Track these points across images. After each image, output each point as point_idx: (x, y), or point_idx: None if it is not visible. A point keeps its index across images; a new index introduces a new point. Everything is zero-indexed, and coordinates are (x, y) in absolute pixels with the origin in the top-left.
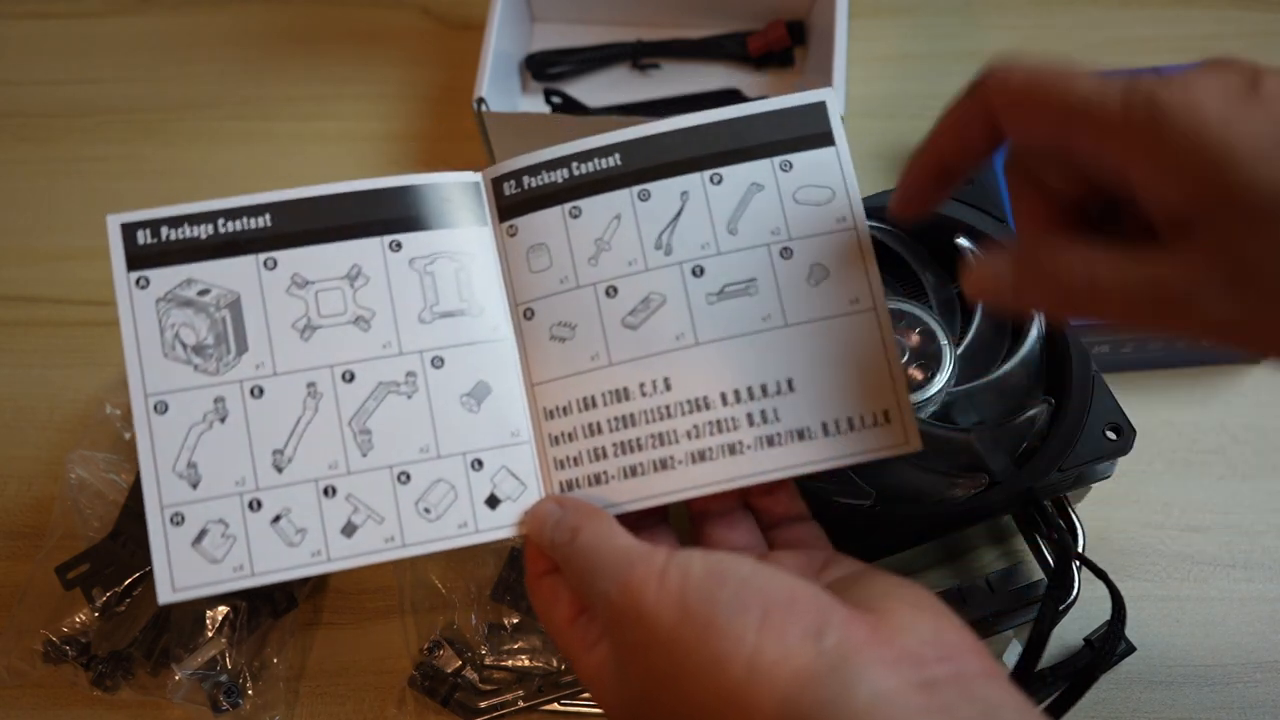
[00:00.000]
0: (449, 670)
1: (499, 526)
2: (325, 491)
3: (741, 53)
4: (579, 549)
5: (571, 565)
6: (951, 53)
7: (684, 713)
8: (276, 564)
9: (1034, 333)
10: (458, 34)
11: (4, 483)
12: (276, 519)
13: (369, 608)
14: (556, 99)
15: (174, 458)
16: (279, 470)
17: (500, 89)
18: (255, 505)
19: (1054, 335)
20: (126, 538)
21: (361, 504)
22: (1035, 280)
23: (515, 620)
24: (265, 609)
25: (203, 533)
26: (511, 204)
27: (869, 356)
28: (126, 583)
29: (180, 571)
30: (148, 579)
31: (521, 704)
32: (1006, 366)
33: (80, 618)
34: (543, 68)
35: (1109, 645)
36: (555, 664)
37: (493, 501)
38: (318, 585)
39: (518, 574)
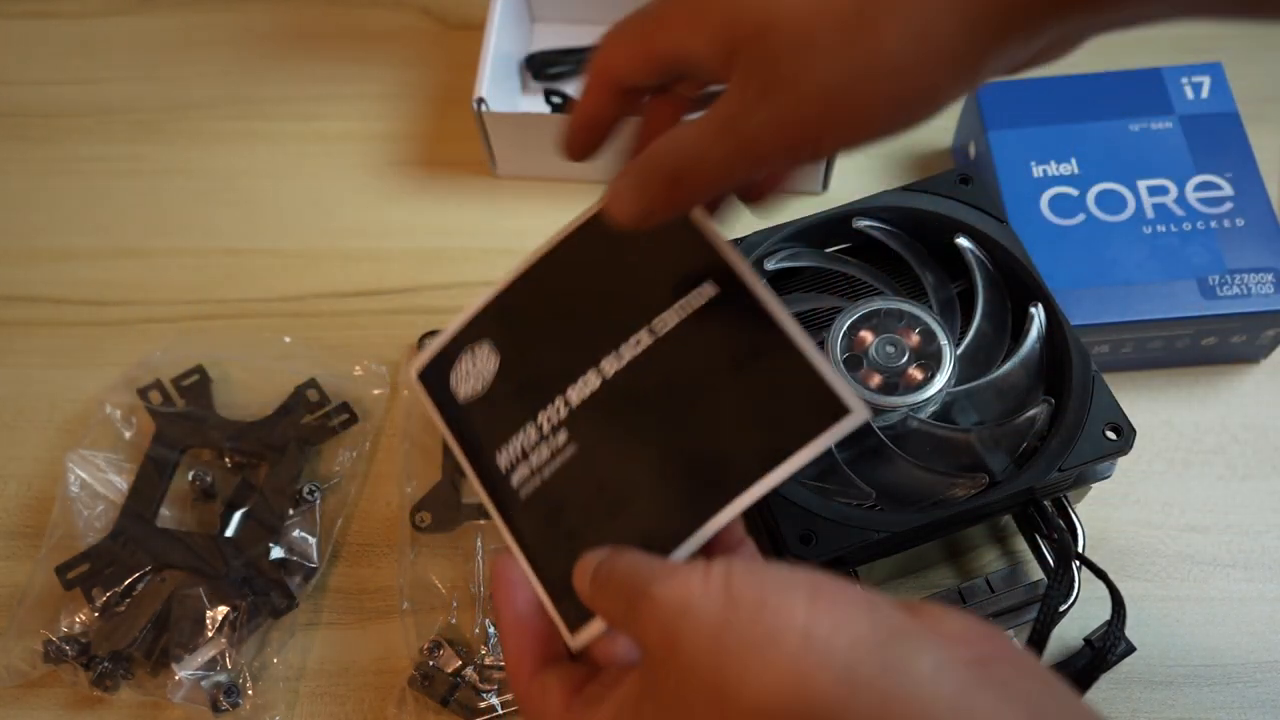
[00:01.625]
0: (449, 670)
1: None
2: None
3: None
4: (623, 566)
5: (613, 585)
6: None
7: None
8: None
9: (1034, 333)
10: (458, 34)
11: (4, 483)
12: None
13: (369, 608)
14: (556, 99)
15: None
16: None
17: (500, 89)
18: None
19: (1054, 335)
20: (126, 538)
21: None
22: (642, 166)
23: None
24: (265, 609)
25: None
26: None
27: None
28: (126, 583)
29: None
30: (148, 579)
31: None
32: (1006, 366)
33: (80, 618)
34: (543, 68)
35: (1109, 645)
36: None
37: None
38: (318, 585)
39: None
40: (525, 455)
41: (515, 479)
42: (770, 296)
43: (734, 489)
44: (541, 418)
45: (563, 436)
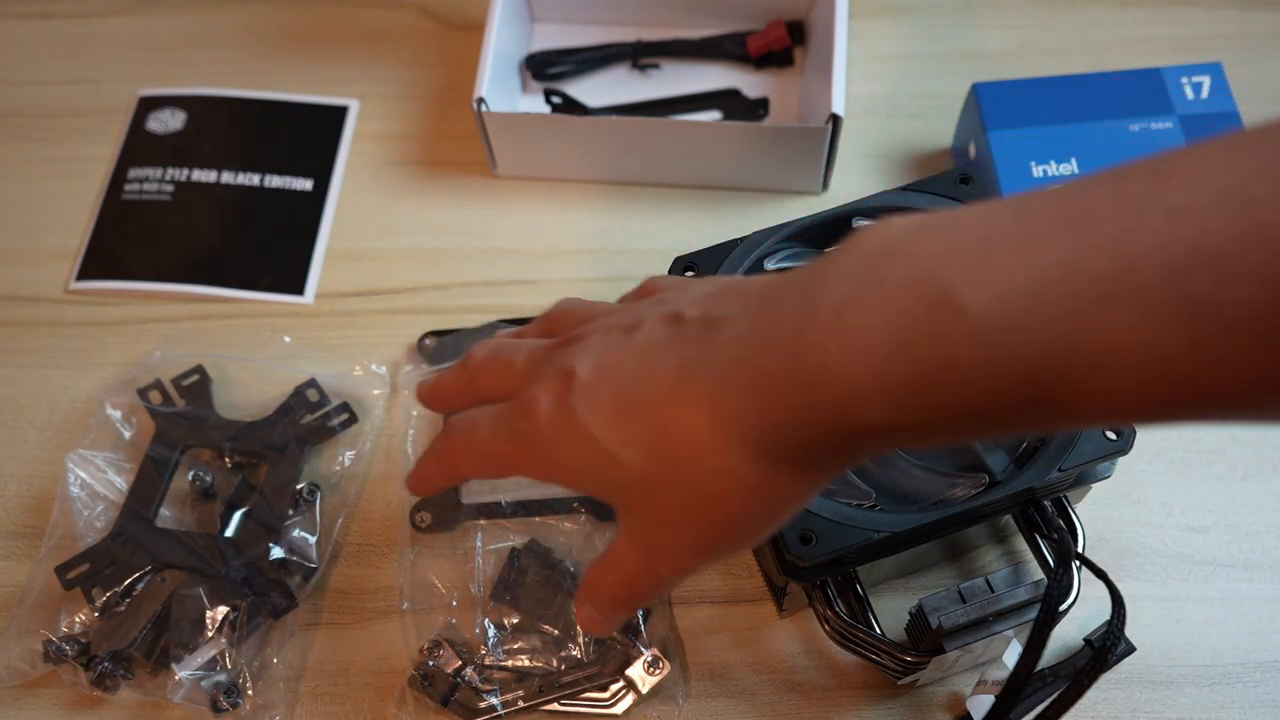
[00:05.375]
0: (449, 670)
1: None
2: None
3: (741, 53)
4: None
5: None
6: (951, 53)
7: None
8: None
9: None
10: (458, 34)
11: (4, 483)
12: None
13: (369, 608)
14: (556, 99)
15: None
16: None
17: (500, 89)
18: None
19: None
20: (126, 538)
21: None
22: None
23: (515, 620)
24: (265, 609)
25: None
26: None
27: None
28: (126, 583)
29: None
30: (148, 579)
31: (521, 704)
32: None
33: (80, 618)
34: (543, 68)
35: (1109, 645)
36: (555, 664)
37: None
38: (318, 585)
39: (518, 574)
40: None
41: None
42: None
43: None
44: None
45: None
